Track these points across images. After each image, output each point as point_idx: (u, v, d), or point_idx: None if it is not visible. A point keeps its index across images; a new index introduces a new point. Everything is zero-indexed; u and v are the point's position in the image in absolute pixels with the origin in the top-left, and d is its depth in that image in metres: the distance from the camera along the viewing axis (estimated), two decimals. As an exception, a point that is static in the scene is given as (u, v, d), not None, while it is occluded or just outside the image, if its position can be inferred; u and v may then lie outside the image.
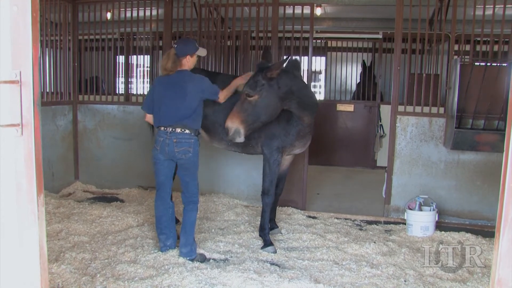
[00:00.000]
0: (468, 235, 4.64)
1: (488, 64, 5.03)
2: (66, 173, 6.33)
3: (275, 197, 4.49)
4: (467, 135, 4.88)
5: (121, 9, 6.25)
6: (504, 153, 1.60)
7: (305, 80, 6.04)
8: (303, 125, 4.24)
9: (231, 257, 4.00)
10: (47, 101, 5.94)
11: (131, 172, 6.28)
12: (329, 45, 9.76)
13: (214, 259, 3.93)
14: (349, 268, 3.79)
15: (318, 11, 7.35)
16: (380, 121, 8.09)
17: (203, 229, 4.68)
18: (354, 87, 9.87)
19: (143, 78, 8.51)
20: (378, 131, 8.07)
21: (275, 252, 4.13)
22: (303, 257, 4.04)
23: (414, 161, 5.31)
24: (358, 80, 9.51)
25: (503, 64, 5.10)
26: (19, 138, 1.63)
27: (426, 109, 5.27)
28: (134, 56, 7.78)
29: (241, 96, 3.89)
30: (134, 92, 7.73)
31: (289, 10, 5.69)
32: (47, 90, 6.13)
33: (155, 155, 3.88)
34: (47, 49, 6.11)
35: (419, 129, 5.28)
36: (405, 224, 4.86)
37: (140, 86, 7.96)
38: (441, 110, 5.29)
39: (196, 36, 5.98)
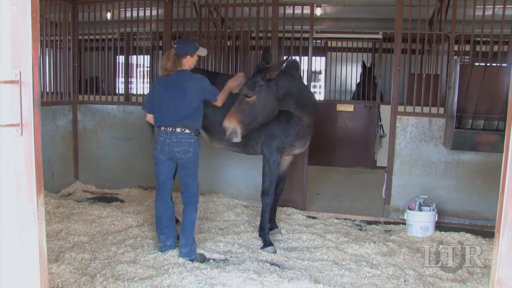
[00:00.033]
0: (468, 235, 4.63)
1: (488, 64, 5.03)
2: (66, 173, 6.33)
3: (275, 197, 4.49)
4: (467, 135, 4.88)
5: (121, 9, 6.25)
6: (504, 153, 1.60)
7: (305, 80, 6.09)
8: (303, 126, 4.24)
9: (231, 257, 3.99)
10: (47, 101, 5.93)
11: (131, 172, 6.28)
12: (329, 45, 9.75)
13: (214, 259, 3.93)
14: (349, 268, 3.79)
15: (318, 11, 7.36)
16: (380, 121, 8.09)
17: (203, 229, 4.68)
18: (354, 87, 9.87)
19: (143, 78, 8.50)
20: (378, 131, 8.07)
21: (275, 252, 4.13)
22: (303, 257, 4.04)
23: (414, 161, 5.31)
24: (358, 80, 9.51)
25: (503, 64, 5.10)
26: (19, 138, 1.63)
27: (426, 109, 5.27)
28: (134, 56, 7.79)
29: (239, 97, 3.90)
30: (134, 92, 7.74)
31: (289, 10, 5.69)
32: (47, 90, 6.12)
33: (156, 155, 3.89)
34: (47, 49, 6.11)
35: (419, 129, 5.28)
36: (405, 224, 4.85)
37: (140, 86, 7.96)
38: (441, 110, 5.29)
39: (196, 36, 5.98)
